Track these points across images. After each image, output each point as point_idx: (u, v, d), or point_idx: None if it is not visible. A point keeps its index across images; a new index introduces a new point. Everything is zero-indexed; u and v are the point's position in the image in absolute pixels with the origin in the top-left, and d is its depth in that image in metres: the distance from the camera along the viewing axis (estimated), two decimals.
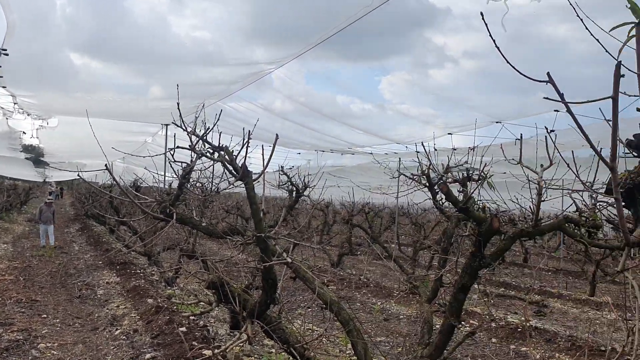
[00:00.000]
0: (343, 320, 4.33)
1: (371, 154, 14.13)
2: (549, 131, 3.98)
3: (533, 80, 1.71)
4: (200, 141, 4.28)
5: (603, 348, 7.95)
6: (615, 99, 1.61)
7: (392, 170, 5.39)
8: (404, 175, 5.18)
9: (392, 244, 20.25)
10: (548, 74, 1.68)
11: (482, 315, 10.40)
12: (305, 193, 8.15)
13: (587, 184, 4.22)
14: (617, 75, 1.57)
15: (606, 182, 2.07)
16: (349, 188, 16.67)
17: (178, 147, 4.38)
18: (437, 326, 6.28)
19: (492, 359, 7.79)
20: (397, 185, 13.69)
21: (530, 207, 3.76)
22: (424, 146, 5.18)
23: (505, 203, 4.14)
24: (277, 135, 3.43)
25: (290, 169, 9.30)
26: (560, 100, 1.68)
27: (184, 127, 4.04)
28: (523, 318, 10.67)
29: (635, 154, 2.12)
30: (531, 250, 23.28)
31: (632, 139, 2.10)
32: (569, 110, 1.74)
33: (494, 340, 9.01)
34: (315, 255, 18.56)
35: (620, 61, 1.58)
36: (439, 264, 5.69)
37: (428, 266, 14.11)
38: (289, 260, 3.64)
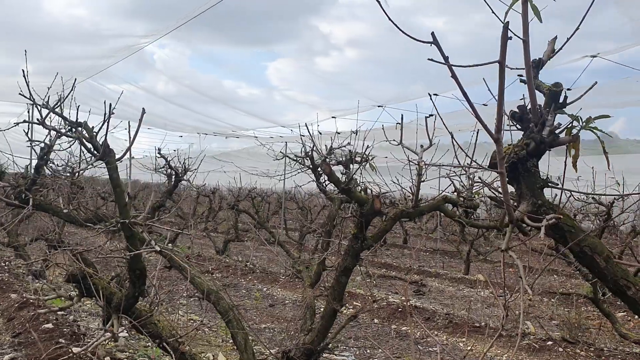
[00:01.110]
0: (222, 310, 4.09)
1: (256, 137, 13.87)
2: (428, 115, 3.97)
3: (419, 41, 1.58)
4: (59, 118, 3.81)
5: (478, 324, 8.37)
6: (502, 63, 1.51)
7: (278, 154, 5.20)
8: (287, 157, 5.00)
9: (280, 229, 20.19)
10: (432, 34, 1.55)
11: (364, 297, 10.59)
12: (186, 177, 7.74)
13: (464, 165, 4.29)
14: (505, 38, 1.47)
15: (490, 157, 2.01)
16: (235, 173, 16.30)
17: (25, 121, 3.87)
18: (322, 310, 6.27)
19: (372, 341, 7.92)
20: (284, 169, 13.60)
21: (410, 188, 3.73)
22: (307, 128, 5.05)
23: (387, 185, 4.11)
24: (143, 109, 3.09)
25: (174, 152, 8.82)
26: (444, 62, 1.56)
27: (32, 99, 3.56)
28: (403, 298, 11.02)
29: (519, 127, 2.07)
30: (411, 232, 24.24)
31: (516, 110, 2.05)
32: (453, 74, 1.62)
33: (376, 321, 9.18)
34: (201, 242, 18.04)
35: (508, 22, 1.47)
36: (323, 247, 5.59)
37: (313, 250, 14.16)
38: (158, 248, 3.33)
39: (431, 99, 2.64)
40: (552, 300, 11.58)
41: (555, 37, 2.05)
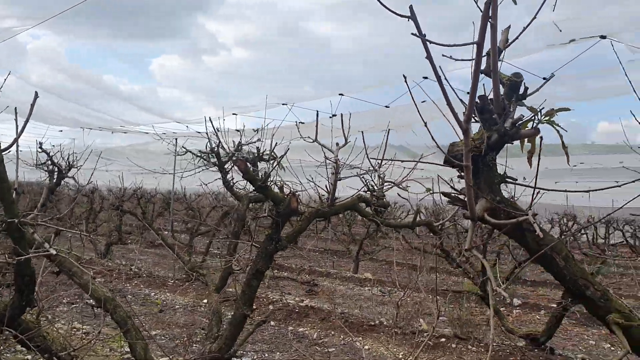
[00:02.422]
0: (120, 319, 3.74)
1: (147, 133, 13.15)
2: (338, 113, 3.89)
3: (397, 14, 1.45)
4: None
5: (372, 323, 8.49)
6: (480, 45, 1.44)
7: (180, 149, 4.86)
8: (191, 152, 4.70)
9: (166, 230, 19.37)
10: (410, 7, 1.44)
11: (258, 298, 10.40)
12: (70, 174, 7.09)
13: (375, 165, 4.26)
14: (486, 18, 1.39)
15: (446, 149, 1.92)
16: (118, 172, 15.39)
17: None
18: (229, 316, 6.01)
19: (270, 344, 7.76)
20: (173, 166, 13.05)
21: (326, 186, 3.63)
22: (212, 123, 4.77)
23: (301, 184, 3.98)
24: (36, 93, 2.71)
25: (54, 147, 8.07)
26: (419, 36, 1.45)
27: None
28: (297, 298, 10.97)
29: (479, 119, 2.01)
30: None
31: (477, 101, 1.99)
32: (426, 49, 1.52)
33: (272, 323, 9.02)
34: (80, 245, 16.83)
35: (491, 0, 1.40)
36: (229, 250, 5.35)
37: (205, 252, 13.72)
38: (53, 252, 2.95)
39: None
40: (438, 297, 12.12)
41: (509, 27, 2.03)
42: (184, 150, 4.61)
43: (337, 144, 3.78)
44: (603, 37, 7.82)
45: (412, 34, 1.46)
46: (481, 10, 1.42)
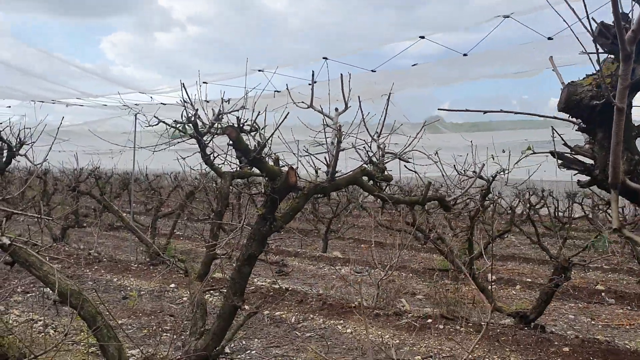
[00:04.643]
0: (88, 316, 3.22)
1: (105, 105, 12.29)
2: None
3: None
4: None
5: (352, 304, 8.14)
6: None
7: (151, 119, 4.30)
8: (164, 123, 4.15)
9: (125, 213, 18.56)
10: None
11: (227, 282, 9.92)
12: (22, 152, 6.40)
13: (374, 135, 3.81)
14: None
15: (561, 98, 1.47)
16: (72, 152, 14.51)
17: None
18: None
19: (246, 330, 7.32)
20: (133, 142, 12.29)
21: (326, 158, 3.16)
22: (186, 90, 4.20)
23: (296, 155, 3.51)
24: None
25: (1, 123, 7.29)
26: None
27: None
28: (269, 280, 10.53)
29: (608, 49, 1.56)
30: None
31: (611, 24, 1.53)
32: None
33: (246, 307, 8.56)
34: (35, 231, 15.92)
35: None
36: (212, 232, 4.84)
37: (169, 235, 13.11)
38: (7, 241, 2.41)
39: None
40: (410, 274, 11.88)
41: None
42: (157, 120, 4.07)
43: (337, 109, 3.32)
44: None
45: None
46: None
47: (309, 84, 6.62)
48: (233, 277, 3.28)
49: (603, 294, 10.08)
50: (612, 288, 10.70)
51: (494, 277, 11.82)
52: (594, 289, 10.48)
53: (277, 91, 5.19)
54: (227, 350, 3.63)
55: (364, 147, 3.42)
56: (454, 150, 7.93)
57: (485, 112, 1.63)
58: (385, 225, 13.46)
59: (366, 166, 3.32)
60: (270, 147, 2.94)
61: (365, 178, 3.35)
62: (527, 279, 11.75)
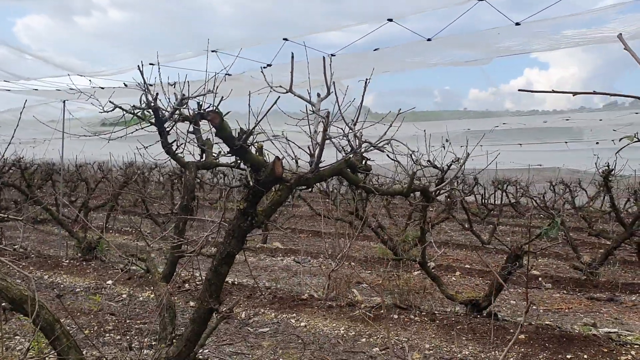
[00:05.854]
0: (46, 325, 2.88)
1: (36, 90, 11.40)
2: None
3: None
4: None
5: (304, 296, 7.98)
6: None
7: (106, 105, 3.89)
8: (120, 108, 3.78)
9: (50, 205, 17.49)
10: None
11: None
12: None
13: (350, 124, 3.64)
14: None
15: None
16: None
17: None
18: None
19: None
20: (62, 130, 11.51)
21: (309, 147, 2.96)
22: (142, 73, 3.84)
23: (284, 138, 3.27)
24: None
25: None
26: None
27: None
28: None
29: None
30: (202, 204, 23.32)
31: None
32: None
33: (192, 304, 8.23)
34: None
35: None
36: (178, 227, 4.51)
37: (103, 229, 12.44)
38: None
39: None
40: (353, 263, 11.87)
41: None
42: (113, 105, 3.69)
43: (319, 94, 3.11)
44: None
45: None
46: None
47: (264, 67, 6.34)
48: (209, 278, 3.03)
49: (540, 279, 10.44)
50: (547, 273, 11.10)
51: (433, 264, 12.01)
52: (530, 274, 10.82)
53: (229, 74, 4.91)
54: (199, 356, 3.37)
55: (344, 137, 3.24)
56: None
57: (574, 93, 1.52)
58: (326, 215, 13.38)
59: (351, 157, 3.14)
60: (255, 136, 2.70)
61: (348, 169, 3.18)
62: (466, 265, 12.00)
